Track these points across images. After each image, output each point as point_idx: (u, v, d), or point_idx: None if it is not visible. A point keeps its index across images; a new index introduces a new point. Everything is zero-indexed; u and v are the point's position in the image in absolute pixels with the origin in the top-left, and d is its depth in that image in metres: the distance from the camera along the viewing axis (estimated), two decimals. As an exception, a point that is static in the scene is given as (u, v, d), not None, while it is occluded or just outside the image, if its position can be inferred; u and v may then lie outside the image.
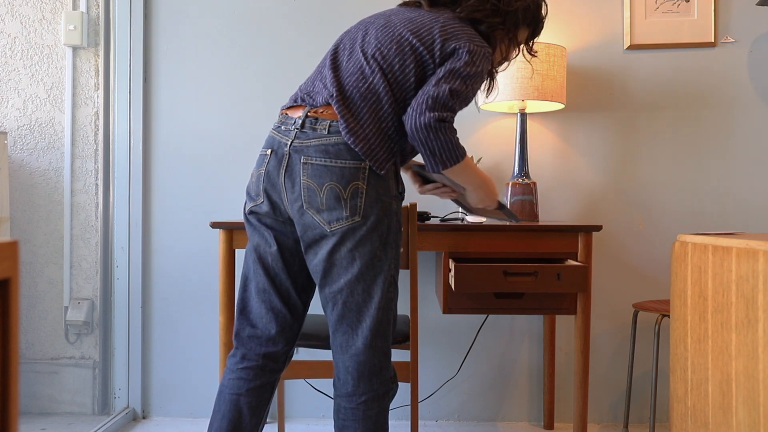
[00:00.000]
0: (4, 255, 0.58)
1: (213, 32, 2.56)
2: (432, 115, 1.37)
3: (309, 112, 1.45)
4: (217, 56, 2.56)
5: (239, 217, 2.53)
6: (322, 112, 1.44)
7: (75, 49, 2.57)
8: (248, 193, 1.54)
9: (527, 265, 1.88)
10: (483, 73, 1.45)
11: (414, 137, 1.40)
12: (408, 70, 1.43)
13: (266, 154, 1.48)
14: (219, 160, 2.55)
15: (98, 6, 2.57)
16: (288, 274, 1.51)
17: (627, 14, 2.45)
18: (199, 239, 2.56)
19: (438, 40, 1.43)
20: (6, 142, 2.35)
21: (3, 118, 2.58)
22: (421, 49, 1.43)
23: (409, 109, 1.41)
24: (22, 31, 2.58)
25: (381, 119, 1.43)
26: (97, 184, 2.58)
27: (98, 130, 2.58)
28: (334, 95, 1.42)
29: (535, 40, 1.68)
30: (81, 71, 2.58)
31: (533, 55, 1.73)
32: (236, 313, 1.54)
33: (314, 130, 1.43)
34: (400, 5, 1.61)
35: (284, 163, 1.44)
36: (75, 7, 2.57)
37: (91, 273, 2.58)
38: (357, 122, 1.41)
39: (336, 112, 1.41)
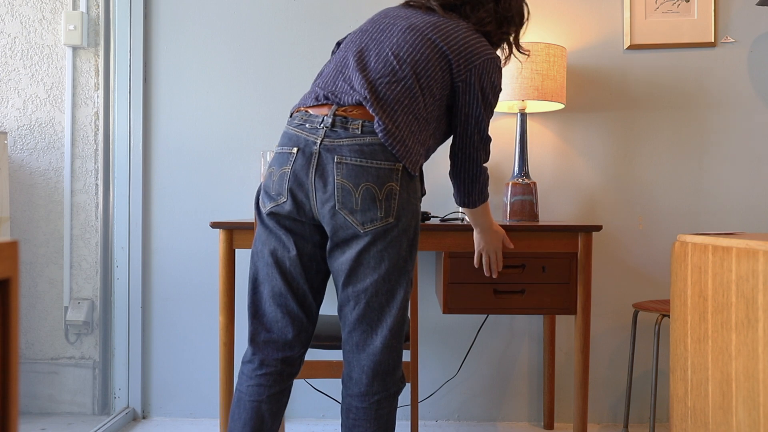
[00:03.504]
0: (4, 255, 0.58)
1: (213, 32, 2.56)
2: (486, 156, 1.61)
3: (337, 110, 1.43)
4: (217, 56, 2.56)
5: (239, 217, 2.53)
6: (351, 112, 1.42)
7: (75, 49, 2.57)
8: (267, 193, 1.48)
9: (515, 259, 1.89)
10: (501, 88, 1.60)
11: (468, 171, 1.60)
12: (438, 75, 1.48)
13: (291, 153, 1.43)
14: (219, 160, 2.55)
15: (98, 6, 2.57)
16: (306, 278, 1.48)
17: (627, 14, 2.45)
18: (199, 239, 2.56)
19: (464, 51, 1.50)
20: (6, 142, 2.35)
21: (3, 118, 2.58)
22: (450, 56, 1.49)
23: (466, 141, 1.57)
24: (22, 31, 2.58)
25: (413, 121, 1.46)
26: (97, 184, 2.58)
27: (98, 130, 2.58)
28: (368, 97, 1.41)
29: (520, 38, 1.73)
30: (81, 71, 2.58)
31: (524, 53, 1.76)
32: (249, 317, 1.52)
33: (346, 129, 1.40)
34: (407, 5, 1.61)
35: (314, 162, 1.40)
36: (75, 7, 2.57)
37: (91, 273, 2.58)
38: (393, 124, 1.42)
39: (372, 113, 1.40)
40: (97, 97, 2.58)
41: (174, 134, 2.57)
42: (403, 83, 1.44)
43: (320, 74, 1.59)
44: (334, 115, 1.42)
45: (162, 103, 2.57)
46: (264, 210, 1.48)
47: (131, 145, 2.55)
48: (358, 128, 1.40)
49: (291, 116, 1.52)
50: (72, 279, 2.58)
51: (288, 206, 1.44)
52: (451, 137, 1.62)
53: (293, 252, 1.46)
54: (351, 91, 1.44)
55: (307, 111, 1.48)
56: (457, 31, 1.51)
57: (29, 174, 2.58)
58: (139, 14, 2.54)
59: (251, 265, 1.53)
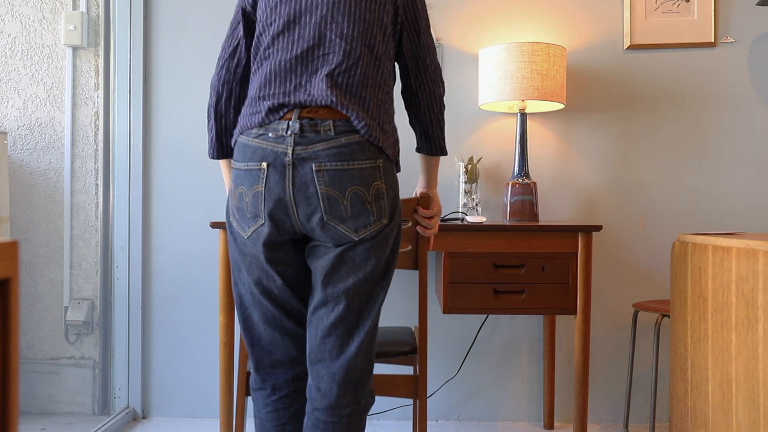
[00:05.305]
0: (4, 255, 0.58)
1: (213, 32, 2.56)
2: (444, 85, 1.49)
3: (301, 113, 1.30)
4: (217, 56, 2.55)
5: (239, 217, 2.53)
6: (318, 112, 1.30)
7: (75, 49, 2.57)
8: (242, 216, 1.35)
9: (515, 259, 1.88)
10: None
11: (433, 109, 1.47)
12: (387, 32, 1.39)
13: (261, 169, 1.30)
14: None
15: (98, 6, 2.57)
16: (297, 297, 1.40)
17: (627, 14, 2.45)
18: (199, 239, 2.56)
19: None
20: (6, 142, 2.35)
21: (3, 118, 2.58)
22: (388, 8, 1.39)
23: (424, 77, 1.44)
24: (22, 31, 2.58)
25: (384, 98, 1.37)
26: (97, 184, 2.58)
27: (98, 130, 2.58)
28: (335, 100, 1.29)
29: None
30: (81, 71, 2.58)
31: None
32: (248, 346, 1.44)
33: (317, 132, 1.28)
34: None
35: (289, 175, 1.28)
36: (75, 7, 2.57)
37: (91, 273, 2.58)
38: (368, 114, 1.31)
39: (345, 113, 1.29)
40: (97, 97, 2.58)
41: (174, 134, 2.57)
42: (360, 62, 1.33)
43: (253, 79, 1.40)
44: (299, 118, 1.30)
45: (162, 103, 2.57)
46: (244, 235, 1.36)
47: (131, 145, 2.55)
48: (330, 129, 1.28)
49: (247, 128, 1.36)
50: (72, 279, 2.58)
51: (267, 228, 1.32)
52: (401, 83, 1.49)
53: (279, 281, 1.37)
54: (309, 97, 1.31)
55: (269, 120, 1.33)
56: None
57: (29, 174, 2.58)
58: (139, 14, 2.54)
59: (234, 292, 1.43)
